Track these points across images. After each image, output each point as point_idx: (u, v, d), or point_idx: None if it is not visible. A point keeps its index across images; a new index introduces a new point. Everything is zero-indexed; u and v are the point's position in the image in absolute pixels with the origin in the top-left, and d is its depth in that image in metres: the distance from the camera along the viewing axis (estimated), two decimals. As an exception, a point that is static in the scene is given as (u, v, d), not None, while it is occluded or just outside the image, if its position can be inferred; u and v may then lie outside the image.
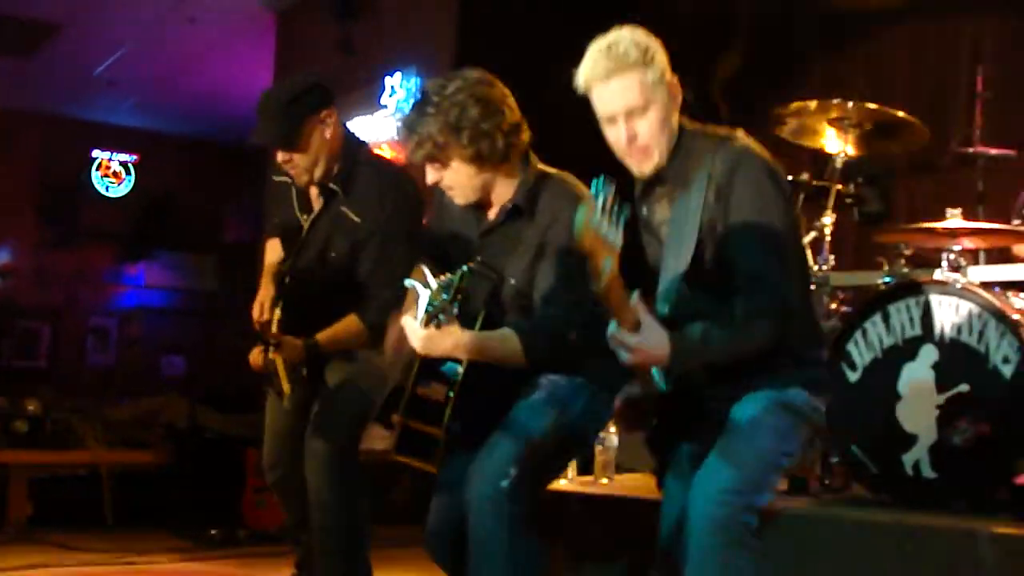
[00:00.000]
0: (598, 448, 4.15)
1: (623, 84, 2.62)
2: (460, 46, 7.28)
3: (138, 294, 12.40)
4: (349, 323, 3.61)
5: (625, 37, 2.64)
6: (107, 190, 12.05)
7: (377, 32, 8.08)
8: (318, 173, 3.65)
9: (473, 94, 2.93)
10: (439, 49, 7.48)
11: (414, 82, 7.80)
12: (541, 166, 3.12)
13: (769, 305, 2.48)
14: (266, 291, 3.72)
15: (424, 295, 2.62)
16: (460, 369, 2.91)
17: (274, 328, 3.59)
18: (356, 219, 3.62)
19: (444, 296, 2.60)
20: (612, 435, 4.18)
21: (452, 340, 2.73)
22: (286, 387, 3.55)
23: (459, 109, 2.90)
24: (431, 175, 3.01)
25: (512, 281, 3.00)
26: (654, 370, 2.47)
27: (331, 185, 3.65)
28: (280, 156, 3.62)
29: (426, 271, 2.70)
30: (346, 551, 3.64)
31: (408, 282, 2.72)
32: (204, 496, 6.39)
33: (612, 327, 2.35)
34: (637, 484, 4.13)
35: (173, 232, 12.25)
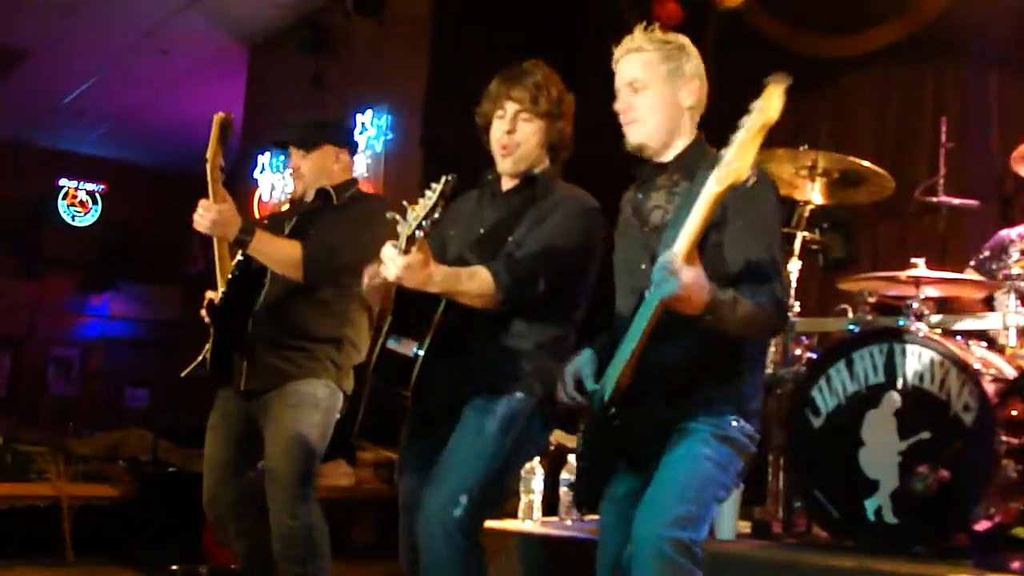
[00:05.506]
0: (563, 490, 4.15)
1: (635, 59, 2.77)
2: (431, 83, 7.31)
3: (101, 324, 12.31)
4: (292, 245, 3.61)
5: (665, 33, 2.79)
6: (73, 219, 11.98)
7: (348, 68, 8.10)
8: (312, 192, 3.81)
9: None
10: (410, 87, 7.49)
11: (385, 119, 7.81)
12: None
13: (781, 296, 2.56)
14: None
15: (404, 222, 2.70)
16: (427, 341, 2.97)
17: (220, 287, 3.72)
18: (337, 203, 3.78)
19: (429, 204, 2.68)
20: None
21: (427, 271, 2.80)
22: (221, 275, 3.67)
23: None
24: (504, 127, 3.13)
25: (511, 239, 3.09)
26: (606, 380, 2.54)
27: (328, 188, 3.79)
28: (292, 160, 3.84)
29: (406, 205, 2.76)
30: None
31: (389, 214, 2.75)
32: (166, 532, 6.30)
33: (668, 254, 2.34)
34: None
35: (138, 262, 12.19)
